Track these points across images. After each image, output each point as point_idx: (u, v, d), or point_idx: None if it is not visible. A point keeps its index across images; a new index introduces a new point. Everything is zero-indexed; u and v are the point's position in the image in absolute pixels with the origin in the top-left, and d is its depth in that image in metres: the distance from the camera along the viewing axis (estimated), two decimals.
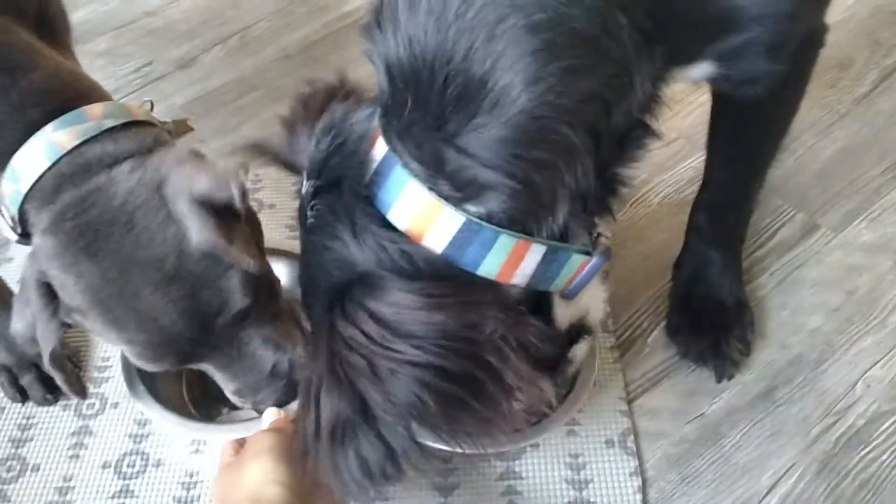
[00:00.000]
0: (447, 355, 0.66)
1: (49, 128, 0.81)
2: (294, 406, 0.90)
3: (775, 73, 0.79)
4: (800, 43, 0.82)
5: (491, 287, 0.69)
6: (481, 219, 0.67)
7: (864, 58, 1.46)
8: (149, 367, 0.85)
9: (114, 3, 1.70)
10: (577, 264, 0.74)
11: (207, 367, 0.88)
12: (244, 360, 0.88)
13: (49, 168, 0.80)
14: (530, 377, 0.70)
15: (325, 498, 0.82)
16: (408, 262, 0.67)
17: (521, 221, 0.68)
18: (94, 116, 0.83)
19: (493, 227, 0.67)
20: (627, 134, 0.73)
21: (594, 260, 0.75)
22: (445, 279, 0.68)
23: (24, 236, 0.84)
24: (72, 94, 0.84)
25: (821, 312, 1.13)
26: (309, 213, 0.72)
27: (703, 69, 0.79)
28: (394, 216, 0.68)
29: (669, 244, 1.19)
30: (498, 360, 0.68)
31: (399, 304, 0.66)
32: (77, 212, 0.80)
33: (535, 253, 0.70)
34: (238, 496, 0.81)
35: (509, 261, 0.69)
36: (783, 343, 1.11)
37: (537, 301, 0.75)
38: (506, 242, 0.68)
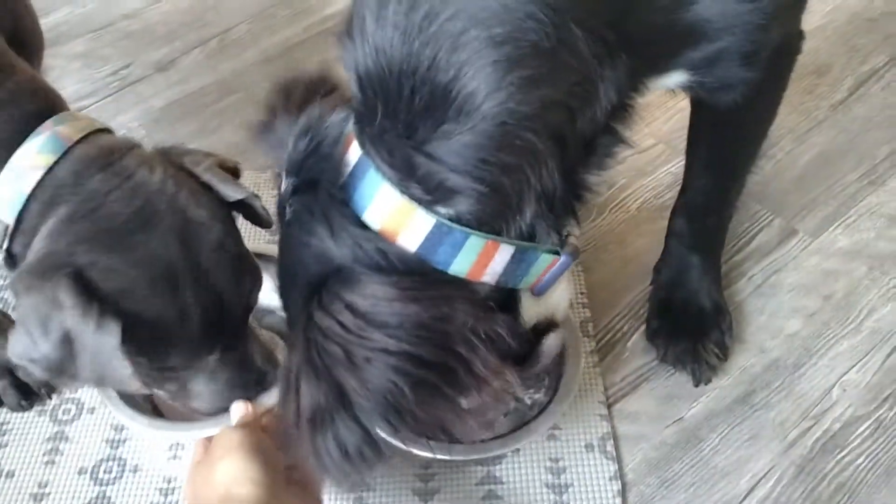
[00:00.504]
0: (420, 344, 0.68)
1: (49, 123, 0.80)
2: (263, 399, 0.91)
3: (750, 79, 0.80)
4: (774, 50, 0.83)
5: (462, 283, 0.72)
6: (452, 220, 0.69)
7: (841, 64, 1.48)
8: (175, 357, 0.83)
9: (91, 5, 1.69)
10: (546, 263, 0.76)
11: (214, 365, 0.87)
12: (246, 353, 0.89)
13: (61, 158, 0.78)
14: (497, 368, 0.72)
15: (297, 494, 0.83)
16: (382, 259, 0.69)
17: (490, 222, 0.70)
18: (82, 118, 0.83)
19: (463, 228, 0.69)
20: (594, 140, 0.74)
21: (562, 259, 0.77)
22: (418, 275, 0.70)
23: (10, 257, 0.80)
24: (52, 99, 0.83)
25: (798, 317, 1.15)
26: (287, 209, 0.74)
27: (676, 78, 0.80)
28: (368, 217, 0.70)
29: (649, 249, 1.20)
30: (467, 351, 0.70)
31: (374, 295, 0.68)
32: (118, 183, 0.78)
33: (504, 252, 0.72)
34: (210, 495, 0.80)
35: (479, 260, 0.71)
36: (761, 347, 1.12)
37: (507, 297, 0.77)
38: (475, 243, 0.70)
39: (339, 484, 0.76)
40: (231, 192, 0.84)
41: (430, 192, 0.68)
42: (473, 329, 0.70)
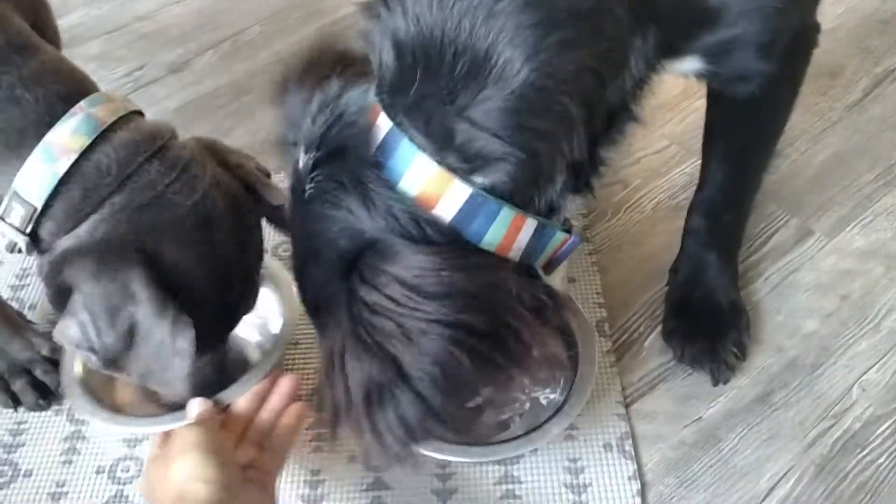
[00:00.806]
0: (472, 313, 0.67)
1: (83, 104, 0.77)
2: (221, 397, 0.91)
3: (766, 72, 0.80)
4: (791, 41, 0.83)
5: (496, 255, 0.71)
6: (485, 191, 0.69)
7: (854, 65, 1.48)
8: (202, 351, 0.82)
9: (106, 7, 1.70)
10: (560, 241, 0.76)
11: (207, 360, 0.88)
12: (227, 353, 0.91)
13: (96, 141, 0.76)
14: (543, 336, 0.72)
15: (252, 493, 0.83)
16: (417, 229, 0.68)
17: (520, 194, 0.70)
18: (115, 99, 0.81)
19: (497, 199, 0.69)
20: (616, 114, 0.75)
21: (572, 238, 0.77)
22: (455, 246, 0.69)
23: (35, 241, 0.78)
24: (81, 80, 0.82)
25: (816, 317, 1.14)
26: (308, 185, 0.72)
27: (691, 64, 0.81)
28: (405, 184, 0.69)
29: (664, 249, 1.20)
30: (515, 319, 0.69)
31: (418, 266, 0.67)
32: (175, 174, 0.77)
33: (528, 227, 0.72)
34: (165, 492, 0.80)
35: (508, 233, 0.71)
36: (779, 347, 1.11)
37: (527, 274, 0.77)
38: (507, 215, 0.70)
39: (396, 461, 0.73)
40: (274, 198, 0.85)
41: (467, 161, 0.68)
42: (519, 297, 0.69)
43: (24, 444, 1.05)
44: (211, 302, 0.79)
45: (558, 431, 0.97)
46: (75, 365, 0.99)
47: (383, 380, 0.68)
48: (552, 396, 1.04)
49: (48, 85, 0.77)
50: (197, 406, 0.89)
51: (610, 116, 0.74)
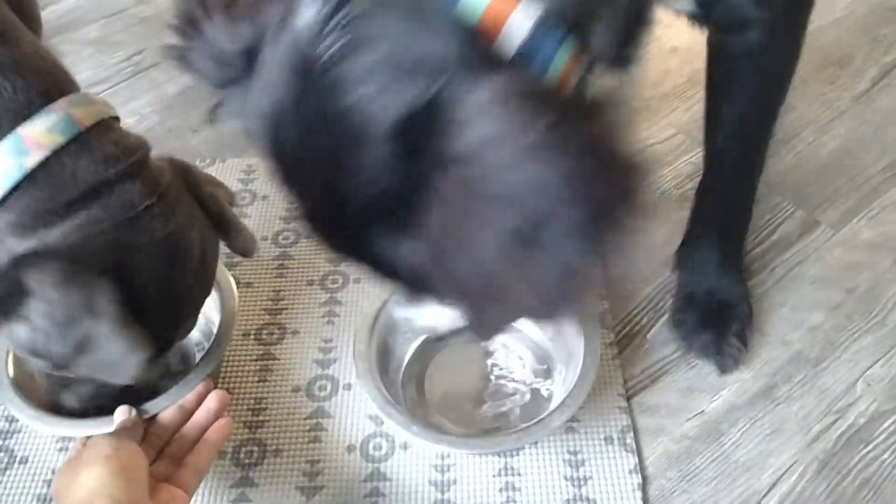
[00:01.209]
0: (571, 136, 0.56)
1: (64, 103, 0.75)
2: (149, 406, 0.90)
3: (762, 20, 0.79)
4: None
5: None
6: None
7: (863, 54, 1.45)
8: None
9: None
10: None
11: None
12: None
13: (71, 143, 0.74)
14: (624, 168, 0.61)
15: None
16: (485, 63, 0.57)
17: (578, 26, 0.61)
18: (97, 102, 0.80)
19: (561, 27, 0.60)
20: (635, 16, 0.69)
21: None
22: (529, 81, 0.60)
23: None
24: (62, 77, 0.80)
25: (821, 310, 1.13)
26: (326, 44, 0.58)
27: (686, 2, 0.79)
28: (462, 10, 0.57)
29: (669, 239, 1.18)
30: (607, 144, 0.59)
31: (500, 101, 0.56)
32: (154, 199, 0.76)
33: (578, 70, 0.62)
34: (72, 498, 0.79)
35: (566, 71, 0.61)
36: (783, 340, 1.10)
37: None
38: (567, 48, 0.61)
39: (563, 305, 0.62)
40: (239, 233, 0.88)
41: None
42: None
43: (19, 431, 1.04)
44: (156, 328, 0.79)
45: (559, 424, 0.96)
46: (9, 360, 0.98)
47: (521, 224, 0.57)
48: (553, 388, 1.03)
49: (27, 76, 0.74)
50: (121, 414, 0.88)
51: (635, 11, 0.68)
